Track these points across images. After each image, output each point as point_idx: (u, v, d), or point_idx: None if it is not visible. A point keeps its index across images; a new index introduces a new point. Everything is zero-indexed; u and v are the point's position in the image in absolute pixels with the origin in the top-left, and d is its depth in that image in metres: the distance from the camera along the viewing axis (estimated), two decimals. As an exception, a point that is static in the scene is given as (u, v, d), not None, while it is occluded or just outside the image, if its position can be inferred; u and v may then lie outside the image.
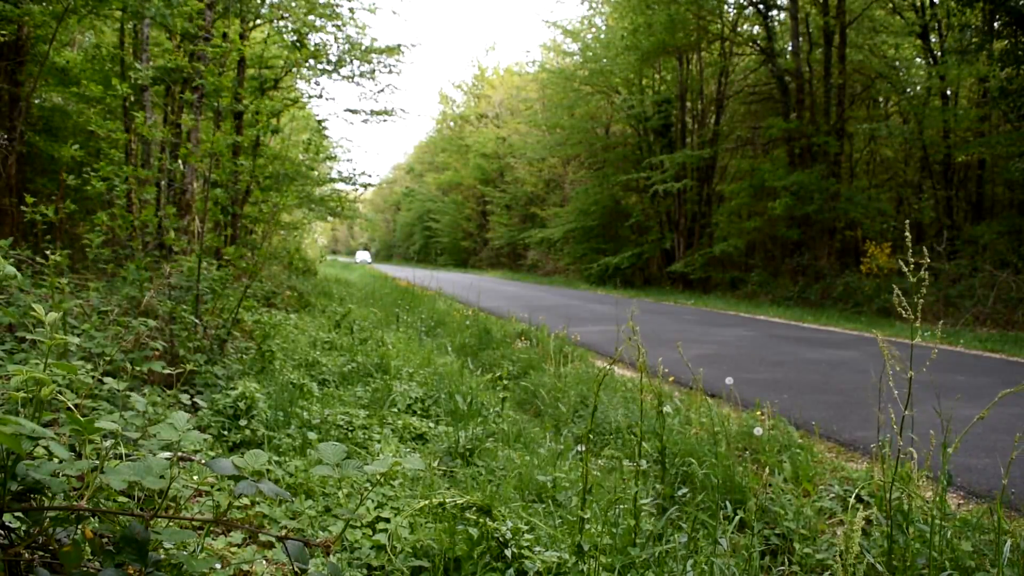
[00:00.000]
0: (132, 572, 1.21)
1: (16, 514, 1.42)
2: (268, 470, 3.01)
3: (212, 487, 2.64)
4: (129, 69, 9.59)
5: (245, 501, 2.63)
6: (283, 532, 2.34)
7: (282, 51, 12.74)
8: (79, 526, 1.39)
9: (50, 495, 1.40)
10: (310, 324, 7.81)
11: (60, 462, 1.40)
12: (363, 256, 62.88)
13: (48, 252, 3.52)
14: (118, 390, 1.91)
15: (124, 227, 4.83)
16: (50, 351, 1.53)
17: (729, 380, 3.98)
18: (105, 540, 1.61)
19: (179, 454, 2.70)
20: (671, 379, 5.59)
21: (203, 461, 2.90)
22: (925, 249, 2.45)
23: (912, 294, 2.29)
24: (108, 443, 1.65)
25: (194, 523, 1.48)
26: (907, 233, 2.20)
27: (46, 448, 1.41)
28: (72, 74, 10.33)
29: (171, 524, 1.44)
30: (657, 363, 3.43)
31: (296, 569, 1.33)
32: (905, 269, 2.19)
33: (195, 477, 2.68)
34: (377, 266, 43.94)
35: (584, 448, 2.29)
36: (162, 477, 1.38)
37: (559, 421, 4.74)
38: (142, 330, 3.69)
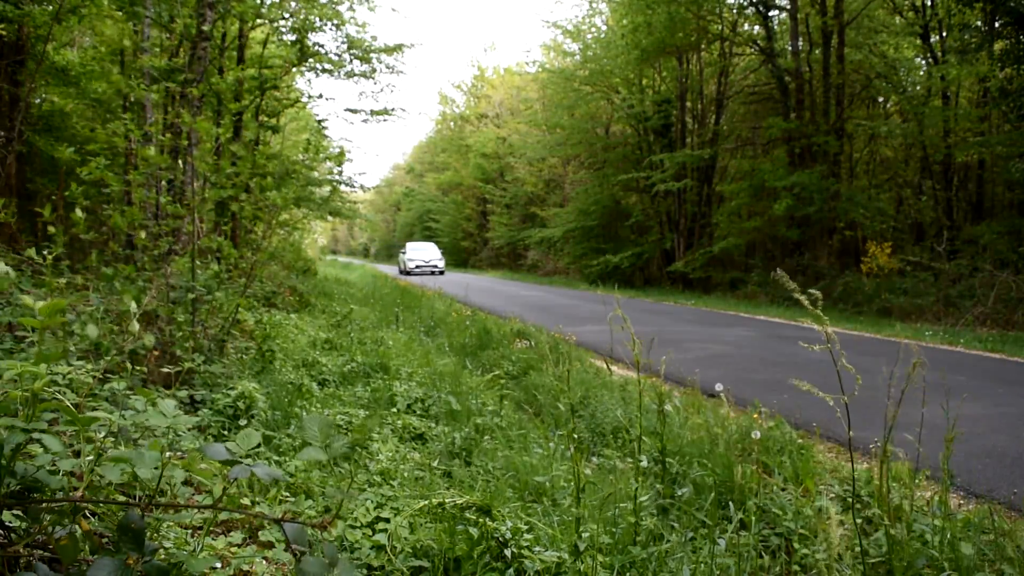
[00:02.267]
0: (130, 561, 1.21)
1: (15, 512, 1.42)
2: (262, 454, 3.01)
3: (210, 479, 2.64)
4: (129, 68, 9.59)
5: (245, 501, 2.63)
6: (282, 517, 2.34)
7: (282, 51, 12.75)
8: (75, 517, 1.40)
9: (48, 492, 1.40)
10: (310, 324, 7.81)
11: (55, 454, 1.40)
12: (423, 253, 31.15)
13: (46, 252, 3.51)
14: (118, 389, 1.91)
15: (123, 226, 4.82)
16: (44, 347, 1.53)
17: (719, 386, 3.96)
18: (105, 540, 1.61)
19: (175, 453, 2.70)
20: (664, 381, 5.59)
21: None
22: (781, 263, 2.42)
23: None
24: (102, 435, 1.65)
25: (190, 511, 1.48)
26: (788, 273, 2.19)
27: (39, 441, 1.41)
28: (72, 74, 10.33)
29: (167, 512, 1.44)
30: (658, 363, 3.43)
31: (296, 551, 1.33)
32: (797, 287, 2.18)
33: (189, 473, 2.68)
34: (376, 266, 43.79)
35: (573, 449, 2.29)
36: (155, 468, 1.38)
37: (558, 421, 4.74)
38: (138, 329, 3.68)
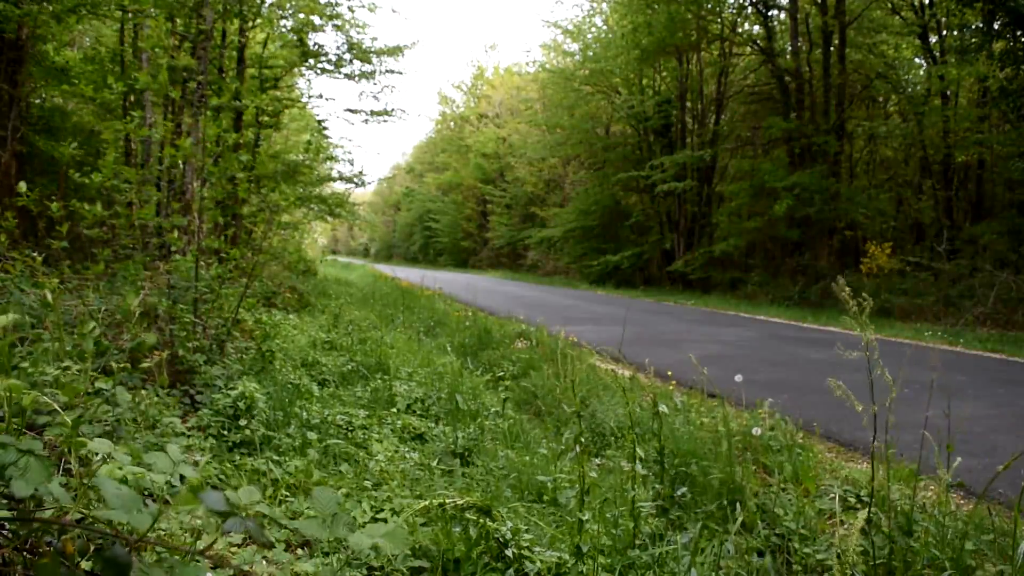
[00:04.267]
0: None
1: (9, 514, 1.41)
2: (261, 454, 3.00)
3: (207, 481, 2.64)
4: (128, 68, 9.60)
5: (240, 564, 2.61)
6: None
7: (282, 51, 12.74)
8: (61, 538, 1.37)
9: (39, 497, 1.39)
10: (310, 324, 7.81)
11: (40, 483, 1.38)
12: None
13: (45, 252, 3.51)
14: (107, 390, 1.90)
15: (125, 225, 4.82)
16: (42, 347, 1.53)
17: (739, 378, 3.98)
18: (99, 541, 1.60)
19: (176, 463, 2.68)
20: (673, 381, 5.58)
21: (202, 459, 2.90)
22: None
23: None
24: (95, 436, 1.64)
25: (180, 552, 1.46)
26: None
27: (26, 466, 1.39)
28: (72, 74, 10.32)
29: (156, 551, 1.42)
30: (657, 363, 3.43)
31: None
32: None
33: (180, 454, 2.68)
34: (376, 266, 43.84)
35: (579, 450, 2.29)
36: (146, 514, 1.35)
37: (559, 421, 4.74)
38: (139, 330, 3.68)
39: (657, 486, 3.16)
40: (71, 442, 1.47)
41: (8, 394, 1.43)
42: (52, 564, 1.27)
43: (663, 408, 2.95)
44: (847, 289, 2.10)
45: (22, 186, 4.01)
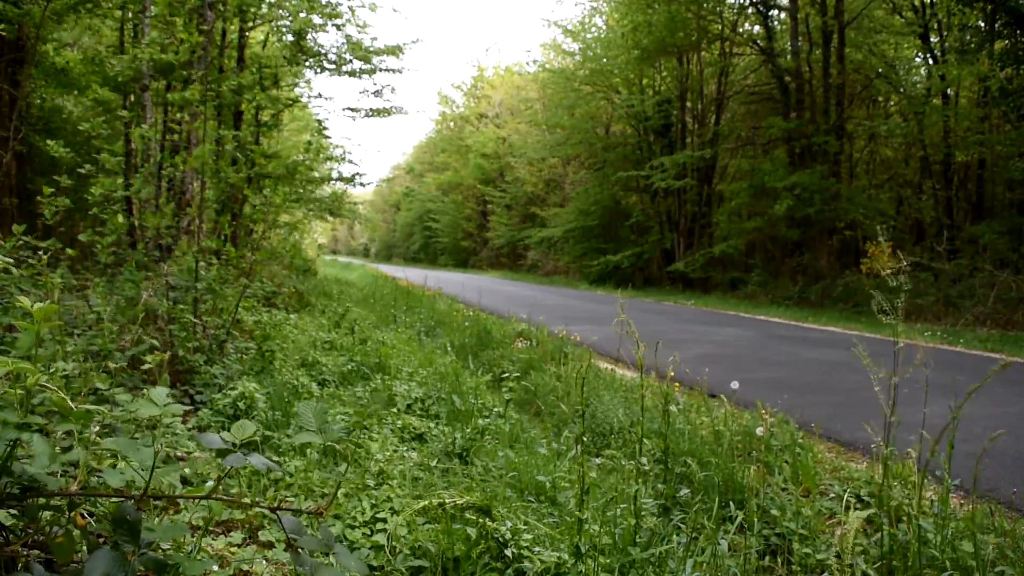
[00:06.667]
0: (128, 556, 1.21)
1: (12, 512, 1.42)
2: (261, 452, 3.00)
3: (207, 473, 2.65)
4: (128, 66, 9.59)
5: (245, 500, 2.62)
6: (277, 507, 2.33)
7: (281, 50, 12.74)
8: (70, 514, 1.39)
9: (46, 492, 1.39)
10: (310, 324, 7.80)
11: (49, 455, 1.40)
12: None
13: (42, 252, 3.51)
14: (101, 388, 1.91)
15: (124, 226, 4.83)
16: (42, 348, 1.53)
17: (735, 384, 3.97)
18: (102, 540, 1.60)
19: (173, 450, 2.69)
20: (670, 378, 5.57)
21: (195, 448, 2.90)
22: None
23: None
24: (95, 429, 1.65)
25: (185, 504, 1.47)
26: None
27: (30, 441, 1.40)
28: (72, 75, 10.32)
29: (163, 510, 1.43)
30: (664, 362, 3.42)
31: (291, 539, 1.32)
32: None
33: (187, 470, 2.69)
34: (376, 266, 43.86)
35: (580, 450, 2.28)
36: (149, 459, 1.37)
37: (560, 421, 4.74)
38: (139, 330, 3.68)
39: (659, 485, 3.16)
40: (74, 429, 1.47)
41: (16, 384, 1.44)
42: (67, 541, 1.29)
43: (673, 408, 2.95)
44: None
45: (46, 189, 4.03)
